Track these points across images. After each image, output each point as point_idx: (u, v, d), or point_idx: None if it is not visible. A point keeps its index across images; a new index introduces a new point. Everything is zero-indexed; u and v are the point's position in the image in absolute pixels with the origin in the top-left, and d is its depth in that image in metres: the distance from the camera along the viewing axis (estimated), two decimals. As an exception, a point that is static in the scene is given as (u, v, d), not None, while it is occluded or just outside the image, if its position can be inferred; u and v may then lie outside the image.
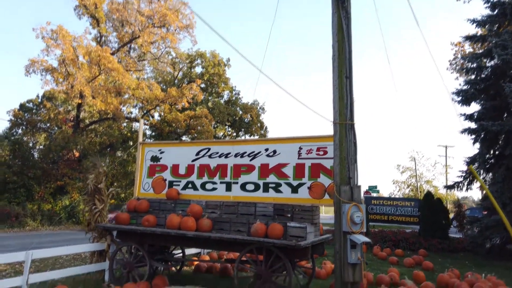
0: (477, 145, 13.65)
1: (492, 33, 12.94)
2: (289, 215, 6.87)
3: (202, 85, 31.29)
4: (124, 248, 7.85)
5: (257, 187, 7.43)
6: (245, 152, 7.68)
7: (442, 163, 47.35)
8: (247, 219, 7.00)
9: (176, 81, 33.24)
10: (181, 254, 9.18)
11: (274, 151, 7.43)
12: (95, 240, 7.91)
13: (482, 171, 14.40)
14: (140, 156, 8.74)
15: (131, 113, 30.76)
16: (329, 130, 7.34)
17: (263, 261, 6.50)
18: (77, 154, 25.68)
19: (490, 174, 14.18)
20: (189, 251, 9.94)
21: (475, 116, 14.07)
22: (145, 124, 28.78)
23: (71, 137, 23.54)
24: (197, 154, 8.15)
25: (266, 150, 7.51)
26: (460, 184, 14.66)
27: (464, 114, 14.39)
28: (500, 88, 13.07)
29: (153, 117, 30.68)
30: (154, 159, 8.61)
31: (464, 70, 13.80)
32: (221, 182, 7.79)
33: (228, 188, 7.69)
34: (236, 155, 7.75)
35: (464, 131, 13.34)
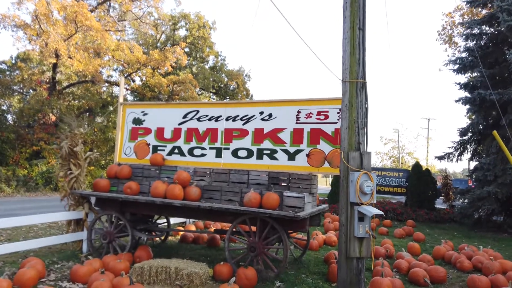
0: (466, 116, 13.34)
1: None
2: (285, 184, 6.34)
3: (186, 49, 29.93)
4: (104, 217, 7.23)
5: (250, 153, 6.83)
6: (238, 116, 7.02)
7: (424, 136, 48.00)
8: (239, 188, 6.45)
9: (158, 44, 31.68)
10: (165, 224, 8.64)
11: (270, 115, 6.79)
12: (71, 208, 7.25)
13: (473, 143, 14.21)
14: (121, 118, 7.97)
15: (111, 76, 29.34)
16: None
17: (256, 232, 6.01)
18: (53, 118, 24.43)
19: (481, 145, 14.00)
20: (174, 220, 9.41)
21: (470, 85, 13.69)
22: (126, 88, 27.49)
23: (46, 100, 22.22)
24: (185, 116, 7.44)
25: (261, 113, 6.86)
26: (451, 155, 14.47)
27: (459, 83, 13.98)
28: (499, 56, 12.63)
29: (134, 81, 29.35)
30: (137, 121, 7.86)
31: (464, 37, 13.22)
32: (210, 148, 7.15)
33: (219, 154, 7.07)
34: (227, 119, 7.08)
35: (459, 100, 12.96)
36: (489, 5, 13.51)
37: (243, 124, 6.95)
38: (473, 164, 14.95)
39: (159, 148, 7.56)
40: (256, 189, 6.25)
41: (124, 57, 23.64)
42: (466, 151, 14.18)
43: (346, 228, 4.65)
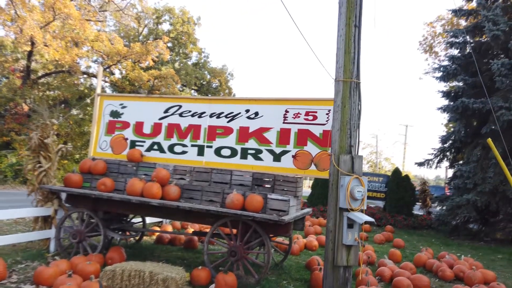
0: (443, 124, 13.44)
1: (483, 6, 12.40)
2: (269, 186, 6.08)
3: (169, 44, 29.29)
4: (75, 214, 6.78)
5: (234, 152, 6.52)
6: (222, 113, 6.70)
7: (401, 142, 48.93)
8: (221, 189, 6.14)
9: (140, 38, 30.88)
10: (140, 223, 8.23)
11: (256, 113, 6.50)
12: (39, 204, 6.76)
13: (453, 150, 14.33)
14: (97, 110, 7.52)
15: (90, 67, 28.38)
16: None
17: (238, 236, 5.71)
18: (26, 109, 23.39)
19: (461, 153, 14.13)
20: (150, 219, 8.99)
21: (452, 94, 13.81)
22: (105, 81, 26.63)
23: (19, 89, 21.23)
24: (166, 111, 7.06)
25: (247, 111, 6.57)
26: (431, 162, 14.55)
27: (442, 92, 14.09)
28: (481, 66, 12.76)
29: (113, 74, 28.49)
30: (114, 114, 7.43)
31: (448, 45, 13.32)
32: (192, 145, 6.80)
33: (201, 152, 6.73)
34: (211, 115, 6.75)
35: (441, 108, 13.02)
36: (473, 15, 13.64)
37: (228, 122, 6.64)
38: (451, 171, 15.10)
39: (137, 143, 7.15)
40: (239, 190, 5.96)
41: (104, 48, 22.88)
42: (445, 158, 14.29)
43: (334, 235, 4.41)
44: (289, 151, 6.20)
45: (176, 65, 29.30)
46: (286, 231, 5.68)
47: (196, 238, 7.95)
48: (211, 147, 6.69)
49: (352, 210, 4.28)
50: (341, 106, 4.56)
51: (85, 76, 27.26)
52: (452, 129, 14.10)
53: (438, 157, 14.33)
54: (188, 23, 28.89)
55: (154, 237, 8.57)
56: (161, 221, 9.78)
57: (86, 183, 6.81)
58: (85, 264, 5.30)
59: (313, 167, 6.03)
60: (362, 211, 4.33)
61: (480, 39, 13.39)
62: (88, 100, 27.27)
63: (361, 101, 4.61)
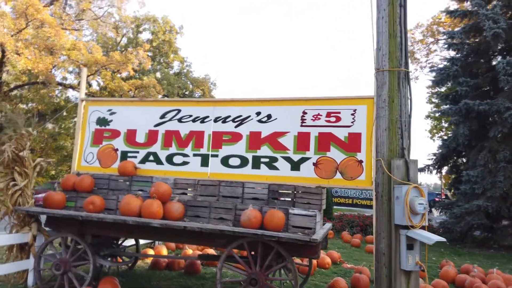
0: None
1: (479, 5, 12.07)
2: (289, 199, 5.25)
3: (150, 54, 28.27)
4: (57, 240, 5.75)
5: (244, 161, 5.67)
6: (229, 116, 5.86)
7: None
8: (232, 204, 5.26)
9: (119, 48, 29.73)
10: (132, 246, 7.21)
11: (269, 116, 5.69)
12: (14, 230, 5.70)
13: (453, 155, 13.88)
14: (81, 117, 6.54)
15: (66, 79, 27.01)
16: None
17: (257, 259, 4.83)
18: (-3, 123, 21.82)
19: (462, 158, 13.70)
20: (141, 240, 7.96)
21: (450, 97, 13.40)
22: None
23: (-11, 102, 19.76)
24: (162, 116, 6.17)
25: (258, 114, 5.75)
26: (430, 167, 14.05)
27: (439, 94, 13.68)
28: (481, 66, 12.43)
29: (91, 85, 27.17)
30: (102, 121, 6.47)
31: (447, 46, 12.94)
32: (194, 155, 5.91)
33: (205, 162, 5.85)
34: (216, 120, 5.90)
35: (444, 111, 12.56)
36: (468, 16, 13.35)
37: (236, 127, 5.80)
38: (452, 176, 14.63)
39: (129, 154, 6.21)
40: (254, 206, 5.10)
41: (81, 57, 21.64)
42: (446, 164, 13.82)
43: (388, 259, 3.61)
44: (309, 158, 5.40)
45: (158, 74, 28.26)
46: (315, 252, 4.83)
47: (198, 261, 6.99)
48: (216, 156, 5.82)
49: (413, 227, 3.50)
50: (388, 101, 3.80)
51: (60, 87, 25.85)
52: (449, 134, 13.64)
53: (439, 163, 13.83)
54: (171, 32, 27.99)
55: (148, 260, 7.56)
56: (153, 242, 8.75)
57: (70, 202, 5.80)
58: (73, 304, 4.30)
59: (338, 175, 5.25)
60: (424, 227, 3.56)
61: (476, 40, 13.08)
62: (65, 113, 25.88)
63: (412, 94, 3.89)
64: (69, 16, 24.32)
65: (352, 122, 5.28)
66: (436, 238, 3.35)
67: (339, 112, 5.38)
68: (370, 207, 16.12)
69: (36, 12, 17.13)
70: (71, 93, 27.36)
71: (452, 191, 13.06)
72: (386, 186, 3.75)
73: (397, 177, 3.64)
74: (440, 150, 13.71)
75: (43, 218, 5.78)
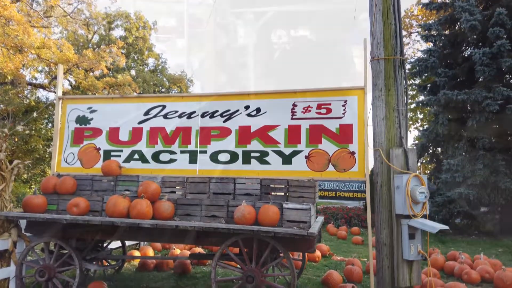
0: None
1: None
2: (282, 194, 5.14)
3: (123, 51, 27.55)
4: (40, 245, 5.45)
5: (234, 157, 5.53)
6: (217, 111, 5.70)
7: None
8: (224, 201, 5.12)
9: (90, 45, 28.81)
10: (118, 248, 6.96)
11: (258, 109, 5.57)
12: (-8, 237, 5.35)
13: (430, 145, 14.16)
14: (59, 116, 6.23)
15: (36, 79, 25.98)
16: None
17: (252, 256, 4.72)
18: (-37, 126, 20.76)
19: (441, 147, 13.98)
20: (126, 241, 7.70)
21: (428, 88, 13.64)
22: (54, 92, 24.40)
23: (-46, 104, 18.73)
24: (147, 113, 5.94)
25: (247, 108, 5.61)
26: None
27: (418, 85, 13.92)
28: (457, 57, 12.69)
29: (62, 85, 26.27)
30: (82, 120, 6.18)
31: (424, 38, 13.16)
32: (182, 152, 5.73)
33: (193, 159, 5.67)
34: (203, 115, 5.73)
35: (421, 102, 12.77)
36: (444, 8, 13.60)
37: (224, 121, 5.64)
38: (432, 166, 14.93)
39: (113, 153, 5.95)
40: (247, 201, 4.98)
41: (52, 56, 20.86)
42: (426, 153, 14.08)
43: (390, 249, 3.57)
44: (301, 151, 5.32)
45: (133, 72, 27.60)
46: (310, 246, 4.74)
47: (188, 261, 6.81)
48: (205, 152, 5.66)
49: (415, 216, 3.47)
50: (384, 90, 3.76)
51: (30, 87, 24.86)
52: (424, 124, 13.89)
53: (419, 153, 14.07)
54: (144, 28, 27.35)
55: (135, 263, 7.32)
56: (138, 243, 8.49)
57: (52, 205, 5.50)
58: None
59: (331, 168, 5.18)
60: (425, 216, 3.53)
61: (453, 31, 13.34)
62: (35, 114, 24.91)
63: (407, 82, 3.85)
64: (37, 13, 23.35)
65: (343, 114, 5.21)
66: (440, 226, 3.33)
67: (330, 104, 5.30)
68: (353, 199, 16.28)
69: (3, 9, 16.31)
70: (41, 93, 26.38)
71: (433, 180, 13.33)
72: (385, 176, 3.70)
73: (397, 166, 3.60)
74: (417, 141, 13.95)
75: (23, 223, 5.46)
